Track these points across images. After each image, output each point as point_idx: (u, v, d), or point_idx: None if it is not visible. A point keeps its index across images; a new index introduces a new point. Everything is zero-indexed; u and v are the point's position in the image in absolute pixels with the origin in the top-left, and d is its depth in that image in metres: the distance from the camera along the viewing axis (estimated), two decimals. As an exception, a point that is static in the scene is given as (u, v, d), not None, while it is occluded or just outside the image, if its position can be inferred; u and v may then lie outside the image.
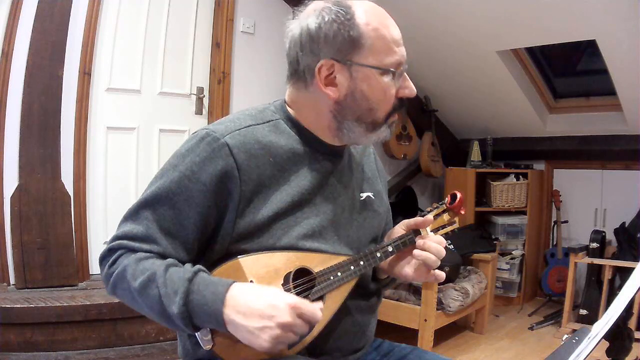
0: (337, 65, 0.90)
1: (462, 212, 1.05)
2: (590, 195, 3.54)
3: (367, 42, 0.89)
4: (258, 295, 0.79)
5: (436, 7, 2.87)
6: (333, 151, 1.00)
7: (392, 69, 0.91)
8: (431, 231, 1.02)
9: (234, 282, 0.81)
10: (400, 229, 1.03)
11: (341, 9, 0.89)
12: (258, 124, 0.95)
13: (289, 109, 0.99)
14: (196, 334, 0.84)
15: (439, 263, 0.97)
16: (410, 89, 0.95)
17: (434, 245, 0.97)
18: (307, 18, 0.91)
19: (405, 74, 0.94)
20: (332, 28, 0.89)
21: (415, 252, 0.97)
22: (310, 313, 0.78)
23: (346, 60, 0.90)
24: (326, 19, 0.89)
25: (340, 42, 0.89)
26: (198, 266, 0.84)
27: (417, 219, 1.01)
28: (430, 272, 0.99)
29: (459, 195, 1.03)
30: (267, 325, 0.76)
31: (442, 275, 0.99)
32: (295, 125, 0.98)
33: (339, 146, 1.01)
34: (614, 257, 3.08)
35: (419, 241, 0.98)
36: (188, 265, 0.84)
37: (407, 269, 1.01)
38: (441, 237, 1.00)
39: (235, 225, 0.89)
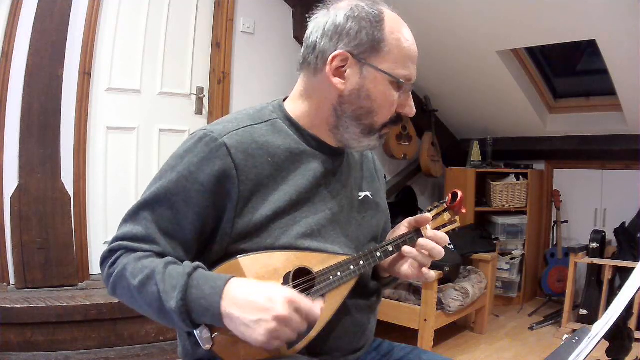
0: (351, 59, 0.92)
1: (463, 211, 1.05)
2: (590, 195, 3.54)
3: (386, 48, 0.91)
4: (256, 289, 0.79)
5: (436, 7, 2.87)
6: (331, 150, 1.00)
7: (401, 81, 0.93)
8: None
9: (232, 276, 0.82)
10: (403, 227, 1.03)
11: (374, 11, 0.92)
12: (256, 124, 0.95)
13: (287, 108, 0.99)
14: (195, 333, 0.83)
15: (429, 261, 0.97)
16: (411, 108, 0.97)
17: (430, 244, 0.96)
18: (338, 10, 0.94)
19: (410, 93, 0.97)
20: (360, 24, 0.91)
21: (406, 249, 0.97)
22: (307, 309, 0.78)
23: (361, 58, 0.91)
24: (356, 14, 0.92)
25: (362, 40, 0.91)
26: (197, 262, 0.85)
27: (418, 216, 1.01)
28: (421, 270, 0.98)
29: (459, 194, 1.03)
30: (262, 318, 0.76)
31: (431, 275, 0.99)
32: (293, 124, 0.98)
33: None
34: (614, 257, 3.08)
35: (419, 240, 0.98)
36: (187, 262, 0.85)
37: (405, 268, 1.01)
38: (444, 234, 1.00)
39: (234, 226, 0.89)
